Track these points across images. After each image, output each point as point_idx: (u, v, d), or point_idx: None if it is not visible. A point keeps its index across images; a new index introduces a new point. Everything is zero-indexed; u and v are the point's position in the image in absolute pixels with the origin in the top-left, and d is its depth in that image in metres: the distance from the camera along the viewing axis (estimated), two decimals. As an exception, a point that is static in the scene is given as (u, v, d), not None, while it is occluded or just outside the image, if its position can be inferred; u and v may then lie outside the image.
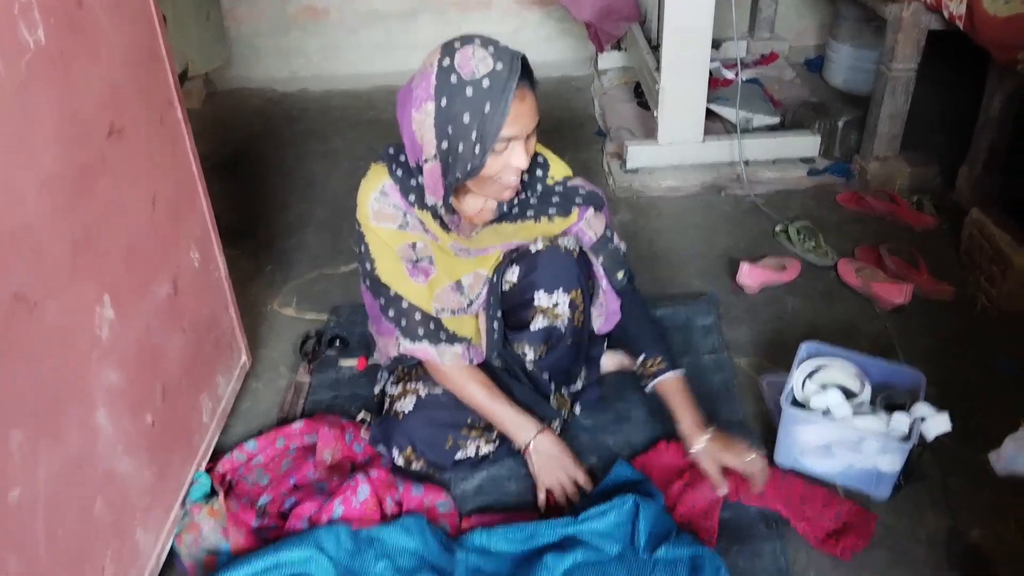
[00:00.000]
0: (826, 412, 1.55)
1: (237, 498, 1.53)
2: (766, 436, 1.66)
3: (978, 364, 1.85)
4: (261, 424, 1.76)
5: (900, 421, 1.51)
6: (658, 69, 2.58)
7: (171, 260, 1.52)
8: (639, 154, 2.64)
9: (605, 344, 1.76)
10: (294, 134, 3.12)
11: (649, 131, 2.75)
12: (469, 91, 1.27)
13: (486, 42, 1.31)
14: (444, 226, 1.47)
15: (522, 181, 1.52)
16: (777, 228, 2.36)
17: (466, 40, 1.31)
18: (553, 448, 1.54)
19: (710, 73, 2.59)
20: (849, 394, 1.58)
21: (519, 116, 1.31)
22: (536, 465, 1.54)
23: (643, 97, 2.99)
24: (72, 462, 1.17)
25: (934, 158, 2.56)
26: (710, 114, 2.67)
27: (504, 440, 1.60)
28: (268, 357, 1.97)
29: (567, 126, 3.09)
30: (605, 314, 1.63)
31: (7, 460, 1.03)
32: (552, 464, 1.53)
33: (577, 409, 1.72)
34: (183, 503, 1.49)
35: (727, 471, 1.49)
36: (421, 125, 1.33)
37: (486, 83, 1.27)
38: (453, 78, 1.28)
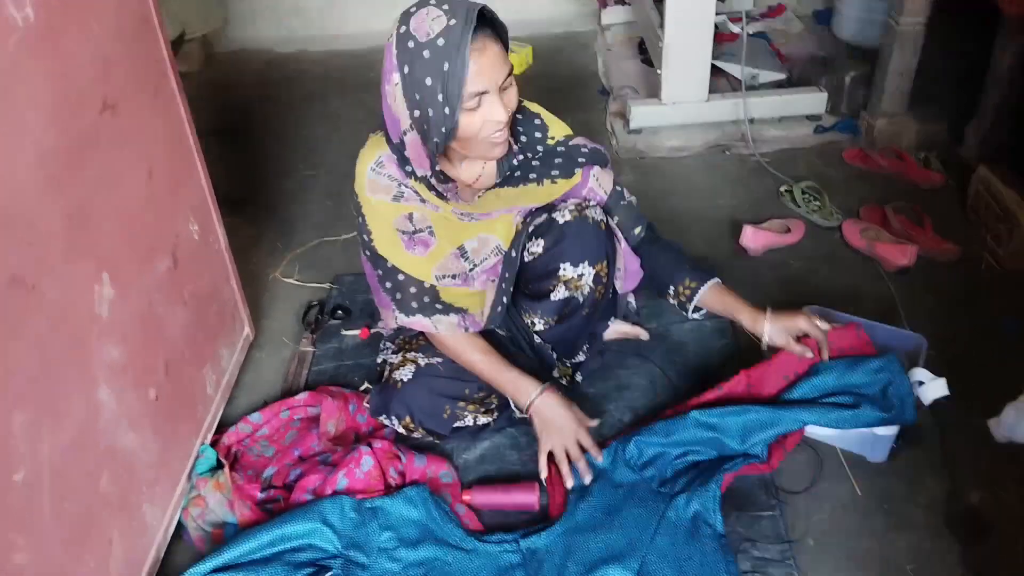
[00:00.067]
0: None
1: (242, 470, 1.55)
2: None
3: (982, 325, 1.84)
4: (265, 395, 1.78)
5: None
6: (662, 25, 2.53)
7: (170, 233, 1.52)
8: (643, 114, 2.61)
9: (611, 321, 1.76)
10: (294, 97, 3.09)
11: (653, 89, 2.70)
12: (427, 53, 1.25)
13: (442, 0, 1.28)
14: (441, 196, 1.45)
15: (520, 143, 1.50)
16: (782, 189, 2.34)
17: (422, 3, 1.28)
18: (556, 407, 1.51)
19: (715, 27, 2.54)
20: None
21: (483, 69, 1.27)
22: (538, 426, 1.52)
23: (647, 53, 2.94)
24: (76, 440, 1.19)
25: (943, 115, 2.51)
26: (715, 71, 2.62)
27: (503, 410, 1.61)
28: (271, 327, 1.98)
29: (570, 85, 3.04)
30: (625, 276, 1.64)
31: (11, 442, 1.05)
32: (554, 425, 1.50)
33: (578, 377, 1.73)
34: (189, 476, 1.52)
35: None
36: (393, 98, 1.31)
37: (440, 41, 1.24)
38: (411, 43, 1.26)
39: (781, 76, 2.75)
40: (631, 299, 1.82)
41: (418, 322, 1.51)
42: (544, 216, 1.54)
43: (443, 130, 1.29)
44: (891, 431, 1.50)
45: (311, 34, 3.49)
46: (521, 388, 1.53)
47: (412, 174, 1.42)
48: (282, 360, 1.88)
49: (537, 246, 1.53)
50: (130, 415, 1.33)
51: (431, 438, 1.61)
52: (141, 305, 1.39)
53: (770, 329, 1.52)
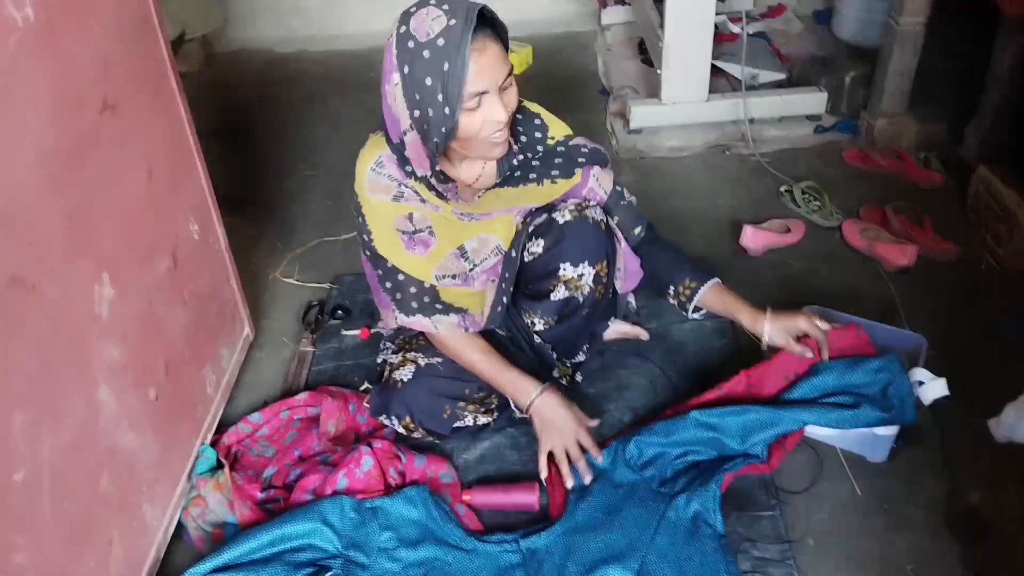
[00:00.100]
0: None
1: (242, 470, 1.55)
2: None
3: (982, 325, 1.84)
4: (265, 395, 1.78)
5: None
6: (662, 25, 2.53)
7: (170, 233, 1.52)
8: (643, 114, 2.61)
9: (611, 321, 1.76)
10: (294, 97, 3.09)
11: (653, 89, 2.70)
12: (427, 53, 1.25)
13: (442, 0, 1.28)
14: (441, 196, 1.45)
15: (520, 142, 1.50)
16: (782, 189, 2.34)
17: (422, 3, 1.28)
18: (556, 407, 1.51)
19: (715, 27, 2.54)
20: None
21: (483, 69, 1.27)
22: (538, 426, 1.52)
23: (647, 54, 2.94)
24: (76, 440, 1.19)
25: (943, 115, 2.51)
26: (715, 71, 2.62)
27: (503, 410, 1.61)
28: (271, 327, 1.98)
29: (570, 85, 3.04)
30: (625, 276, 1.64)
31: (10, 442, 1.05)
32: (554, 425, 1.50)
33: (578, 377, 1.73)
34: (189, 477, 1.52)
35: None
36: (393, 98, 1.31)
37: (441, 41, 1.24)
38: (411, 43, 1.26)
39: (781, 76, 2.75)
40: (631, 299, 1.82)
41: (418, 322, 1.51)
42: (544, 216, 1.54)
43: (443, 130, 1.29)
44: (891, 431, 1.50)
45: (311, 34, 3.49)
46: (521, 388, 1.52)
47: (412, 174, 1.42)
48: (282, 360, 1.88)
49: (537, 246, 1.53)
50: (130, 415, 1.33)
51: (431, 438, 1.61)
52: (141, 305, 1.39)
53: (770, 329, 1.52)
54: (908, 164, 2.37)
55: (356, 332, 1.91)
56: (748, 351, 1.75)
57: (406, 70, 1.27)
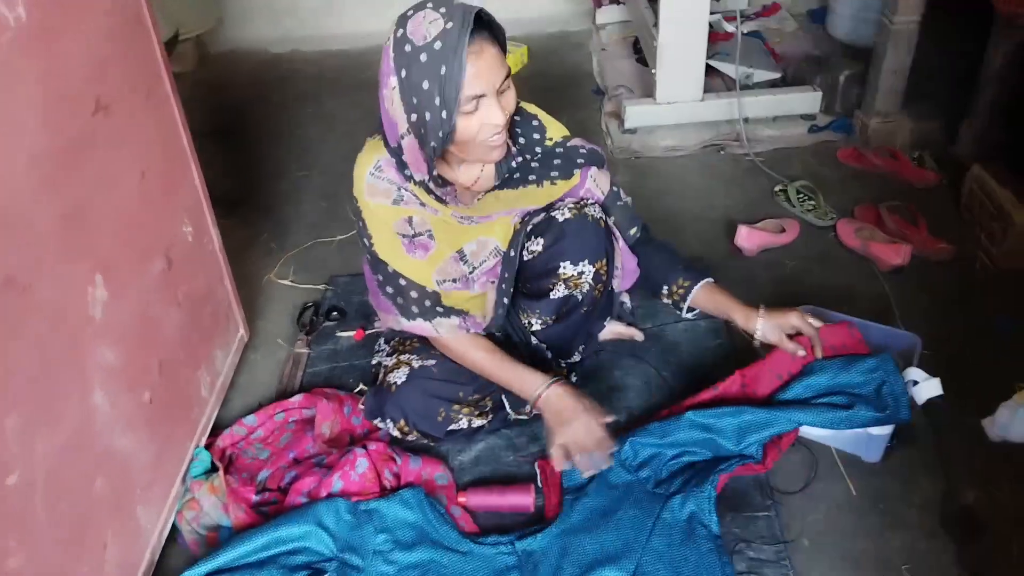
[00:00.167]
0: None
1: (237, 473, 1.54)
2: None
3: (977, 324, 1.84)
4: (260, 397, 1.77)
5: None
6: (656, 24, 2.53)
7: (164, 234, 1.52)
8: (637, 114, 2.61)
9: (606, 322, 1.76)
10: (287, 97, 3.08)
11: (648, 89, 2.70)
12: (423, 57, 1.24)
13: (439, 3, 1.27)
14: (440, 200, 1.45)
15: (519, 144, 1.50)
16: (777, 188, 2.34)
17: (419, 6, 1.28)
18: (568, 399, 1.45)
19: (710, 27, 2.54)
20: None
21: (480, 72, 1.27)
22: (549, 420, 1.46)
23: (642, 53, 2.94)
24: (70, 443, 1.18)
25: (937, 113, 2.52)
26: (709, 70, 2.62)
27: (498, 412, 1.61)
28: (265, 329, 1.98)
29: (564, 84, 3.04)
30: (623, 274, 1.64)
31: (4, 445, 1.05)
32: (565, 417, 1.43)
33: (573, 378, 1.72)
34: (183, 479, 1.51)
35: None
36: (390, 102, 1.31)
37: (438, 45, 1.23)
38: (407, 47, 1.25)
39: (776, 75, 2.75)
40: (626, 300, 1.82)
41: (419, 326, 1.50)
42: (543, 214, 1.54)
43: (440, 134, 1.29)
44: (886, 431, 1.50)
45: (305, 34, 3.48)
46: (529, 382, 1.49)
47: (411, 178, 1.41)
48: (277, 362, 1.88)
49: (537, 244, 1.53)
50: (125, 417, 1.33)
51: (426, 441, 1.60)
52: (135, 307, 1.38)
53: (763, 325, 1.52)
54: (902, 163, 2.37)
55: (351, 334, 1.91)
56: (743, 351, 1.74)
57: (403, 74, 1.27)
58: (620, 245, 1.61)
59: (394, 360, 1.62)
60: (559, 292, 1.53)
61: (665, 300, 1.62)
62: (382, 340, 1.74)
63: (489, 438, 1.64)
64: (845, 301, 1.86)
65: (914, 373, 1.52)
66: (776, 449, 1.49)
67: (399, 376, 1.58)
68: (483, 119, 1.31)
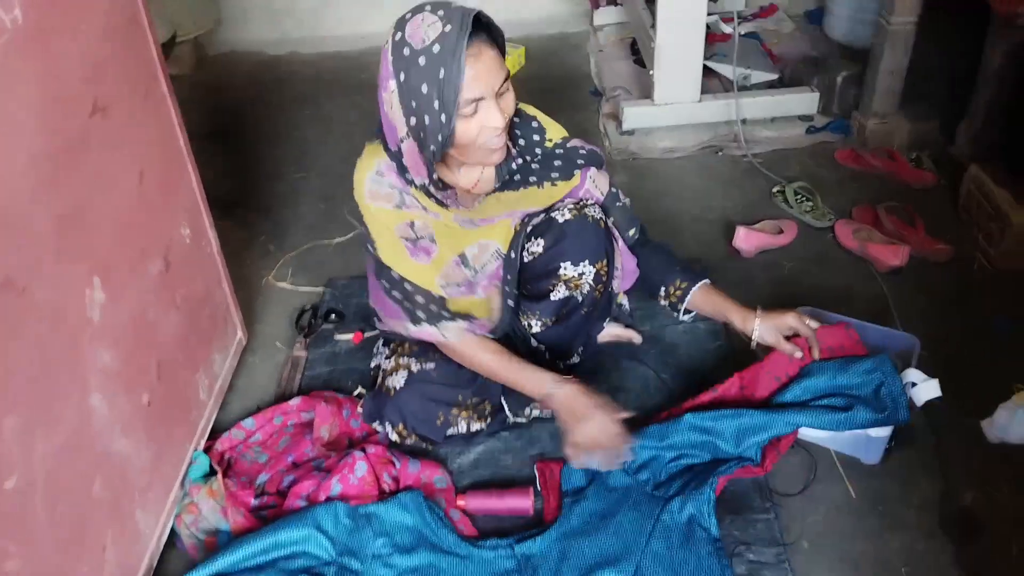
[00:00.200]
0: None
1: (236, 476, 1.54)
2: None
3: (975, 325, 1.85)
4: (259, 400, 1.77)
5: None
6: (654, 26, 2.53)
7: (161, 236, 1.51)
8: (635, 115, 2.61)
9: (605, 323, 1.76)
10: (285, 99, 3.07)
11: (645, 90, 2.70)
12: (422, 60, 1.24)
13: (437, 6, 1.27)
14: (441, 203, 1.45)
15: (519, 146, 1.50)
16: (774, 189, 2.34)
17: (417, 9, 1.27)
18: (582, 396, 1.44)
19: (707, 28, 2.54)
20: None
21: (479, 75, 1.26)
22: (563, 418, 1.45)
23: (640, 54, 2.94)
24: (69, 446, 1.18)
25: (934, 114, 2.52)
26: (707, 71, 2.62)
27: (496, 415, 1.60)
28: (264, 332, 1.97)
29: (562, 86, 3.04)
30: (623, 275, 1.64)
31: (2, 448, 1.04)
32: (577, 416, 1.43)
33: (572, 380, 1.72)
34: (182, 483, 1.51)
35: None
36: (389, 105, 1.30)
37: (436, 48, 1.23)
38: (406, 51, 1.25)
39: (773, 76, 2.75)
40: (624, 302, 1.82)
41: (425, 332, 1.50)
42: (543, 215, 1.54)
43: (440, 137, 1.28)
44: (884, 432, 1.50)
45: (303, 36, 3.47)
46: (540, 381, 1.47)
47: (412, 182, 1.41)
48: (275, 365, 1.87)
49: (537, 246, 1.53)
50: (123, 420, 1.33)
51: (424, 444, 1.60)
52: (133, 309, 1.38)
53: (760, 327, 1.52)
54: (900, 164, 2.38)
55: (349, 336, 1.90)
56: (741, 353, 1.74)
57: (402, 77, 1.26)
58: (620, 246, 1.61)
59: (393, 363, 1.62)
60: (559, 293, 1.53)
61: (662, 302, 1.62)
62: (380, 343, 1.74)
63: (488, 441, 1.63)
64: (843, 302, 1.86)
65: (913, 374, 1.52)
66: (775, 451, 1.49)
67: (398, 380, 1.57)
68: (482, 122, 1.30)
